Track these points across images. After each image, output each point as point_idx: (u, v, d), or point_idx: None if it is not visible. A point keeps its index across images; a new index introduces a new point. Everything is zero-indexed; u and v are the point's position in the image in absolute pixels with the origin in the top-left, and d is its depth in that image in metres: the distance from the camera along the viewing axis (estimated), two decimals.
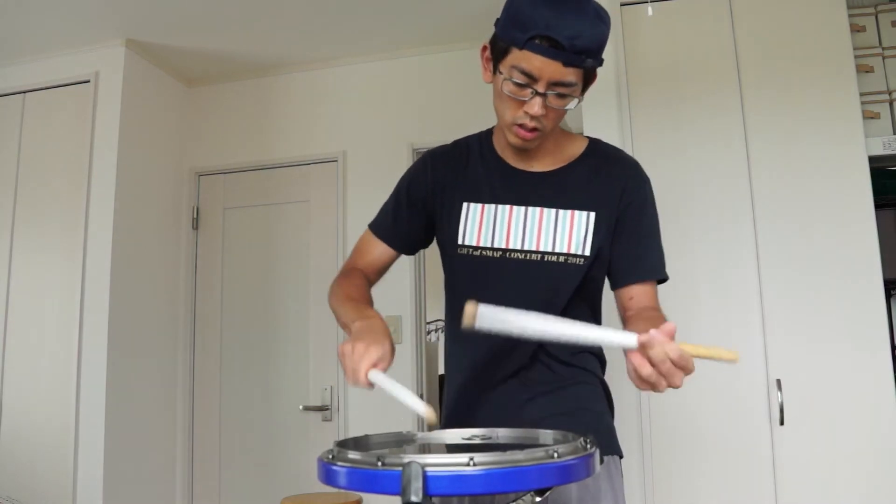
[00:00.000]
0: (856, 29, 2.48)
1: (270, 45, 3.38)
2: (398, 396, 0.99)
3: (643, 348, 0.92)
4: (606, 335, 0.96)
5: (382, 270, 1.48)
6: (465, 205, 1.35)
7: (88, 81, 3.21)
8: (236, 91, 3.67)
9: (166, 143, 3.53)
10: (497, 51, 1.21)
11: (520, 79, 1.17)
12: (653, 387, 0.94)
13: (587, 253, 1.28)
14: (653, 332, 0.91)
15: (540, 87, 1.17)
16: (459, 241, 1.34)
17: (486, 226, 1.32)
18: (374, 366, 1.04)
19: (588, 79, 1.24)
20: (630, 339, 0.93)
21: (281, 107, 3.60)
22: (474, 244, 1.32)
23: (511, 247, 1.30)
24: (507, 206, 1.32)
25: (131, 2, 2.92)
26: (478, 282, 1.32)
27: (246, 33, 3.25)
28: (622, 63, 2.47)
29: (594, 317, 1.39)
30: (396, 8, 3.05)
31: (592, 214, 1.29)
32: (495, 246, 1.31)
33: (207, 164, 3.64)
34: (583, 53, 1.15)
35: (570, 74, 1.16)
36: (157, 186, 3.45)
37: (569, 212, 1.30)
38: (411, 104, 3.40)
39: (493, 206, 1.33)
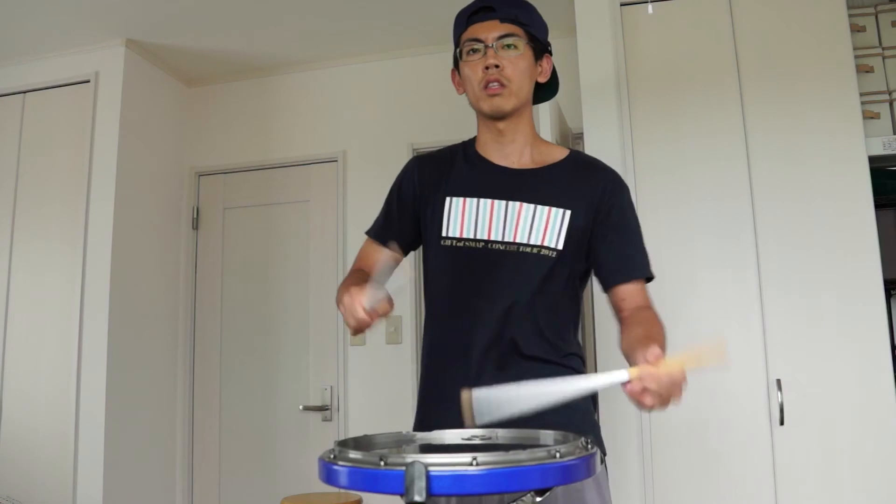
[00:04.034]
0: (856, 29, 2.48)
1: (270, 45, 3.38)
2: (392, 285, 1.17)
3: (638, 388, 0.99)
4: (599, 382, 1.02)
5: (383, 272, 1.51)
6: (448, 199, 1.43)
7: (88, 81, 3.21)
8: (236, 91, 3.67)
9: (166, 143, 3.53)
10: (456, 55, 1.45)
11: (472, 46, 1.40)
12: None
13: (559, 247, 1.36)
14: (641, 370, 0.98)
15: (489, 43, 1.38)
16: (443, 234, 1.41)
17: (468, 218, 1.40)
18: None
19: (537, 49, 1.43)
20: (621, 376, 0.99)
21: (281, 107, 3.60)
22: (457, 236, 1.40)
23: (493, 238, 1.38)
24: (490, 201, 1.40)
25: (131, 2, 2.92)
26: (460, 272, 1.40)
27: (246, 33, 3.25)
28: (622, 62, 2.47)
29: (576, 308, 1.44)
30: (396, 8, 3.05)
31: (568, 212, 1.38)
32: (478, 237, 1.39)
33: (207, 164, 3.64)
34: (514, 8, 1.40)
35: (509, 28, 1.39)
36: (157, 186, 3.45)
37: (546, 208, 1.38)
38: (411, 104, 3.40)
39: (475, 199, 1.41)
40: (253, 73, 3.63)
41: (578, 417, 1.34)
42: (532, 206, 1.38)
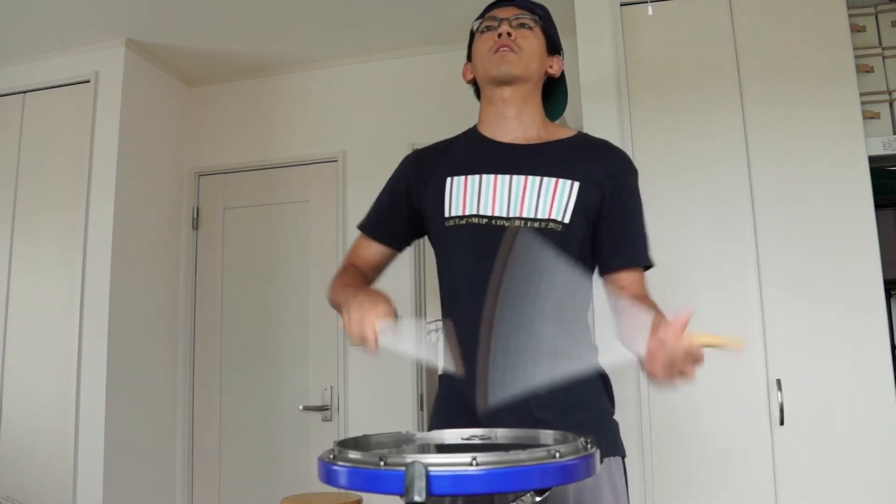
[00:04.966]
0: (856, 29, 2.48)
1: (270, 45, 3.37)
2: (411, 352, 1.08)
3: (654, 350, 0.96)
4: (618, 358, 1.01)
5: (377, 267, 1.51)
6: (448, 179, 1.38)
7: (88, 81, 3.21)
8: (236, 91, 3.67)
9: (166, 143, 3.53)
10: (473, 36, 1.48)
11: (488, 23, 1.43)
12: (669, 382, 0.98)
13: (566, 220, 1.30)
14: (661, 336, 0.96)
15: (504, 17, 1.41)
16: (446, 214, 1.36)
17: (470, 195, 1.35)
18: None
19: (549, 44, 1.45)
20: (640, 350, 0.98)
21: (281, 107, 3.60)
22: (460, 214, 1.35)
23: (497, 214, 1.32)
24: (493, 176, 1.35)
25: (131, 2, 2.92)
26: (465, 253, 1.34)
27: (246, 33, 3.25)
28: (622, 63, 2.46)
29: (587, 296, 1.39)
30: (396, 8, 3.05)
31: (577, 184, 1.32)
32: (481, 213, 1.33)
33: (207, 164, 3.64)
34: (532, 3, 1.46)
35: (525, 14, 1.42)
36: (157, 186, 3.44)
37: (553, 179, 1.32)
38: (411, 104, 3.40)
39: (476, 176, 1.35)
40: (253, 73, 3.62)
41: (596, 418, 1.30)
42: (538, 178, 1.32)
